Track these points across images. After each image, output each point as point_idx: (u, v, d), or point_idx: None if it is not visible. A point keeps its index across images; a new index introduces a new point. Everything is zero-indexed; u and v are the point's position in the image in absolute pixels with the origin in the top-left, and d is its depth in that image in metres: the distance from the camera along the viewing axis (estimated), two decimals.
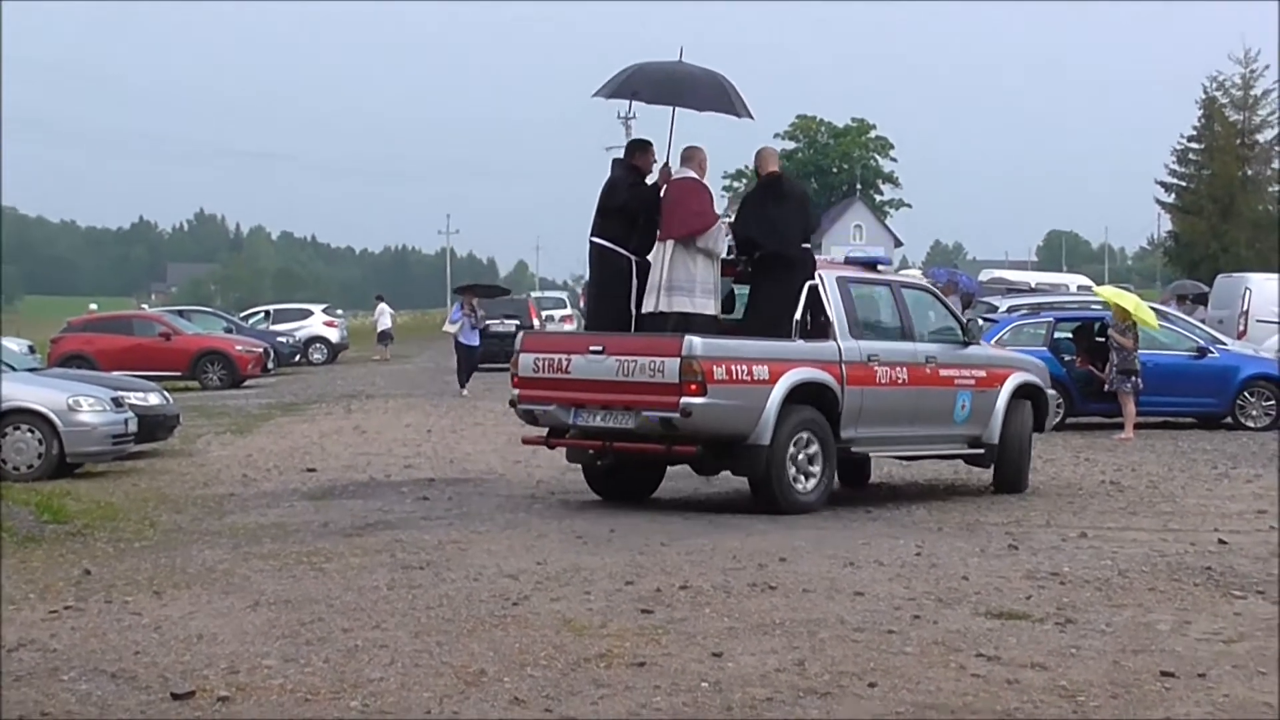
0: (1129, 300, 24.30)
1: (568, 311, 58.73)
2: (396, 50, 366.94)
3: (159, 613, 10.30)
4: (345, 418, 27.06)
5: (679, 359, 14.06)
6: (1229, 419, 24.67)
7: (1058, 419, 23.99)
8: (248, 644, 9.32)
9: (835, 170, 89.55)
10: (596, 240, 15.56)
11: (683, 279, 15.11)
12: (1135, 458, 20.28)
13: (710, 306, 15.25)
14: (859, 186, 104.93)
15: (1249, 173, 70.82)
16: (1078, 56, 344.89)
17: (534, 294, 68.48)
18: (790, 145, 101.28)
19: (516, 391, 15.36)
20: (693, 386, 14.04)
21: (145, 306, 68.46)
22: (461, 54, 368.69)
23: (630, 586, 11.11)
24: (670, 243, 15.15)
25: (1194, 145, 72.63)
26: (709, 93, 15.90)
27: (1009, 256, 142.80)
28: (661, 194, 15.49)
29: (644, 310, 15.28)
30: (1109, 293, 25.79)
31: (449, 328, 34.88)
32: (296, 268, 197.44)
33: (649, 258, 15.43)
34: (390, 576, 11.51)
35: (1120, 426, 23.13)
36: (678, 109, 15.89)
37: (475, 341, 33.60)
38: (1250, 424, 24.43)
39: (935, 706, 7.98)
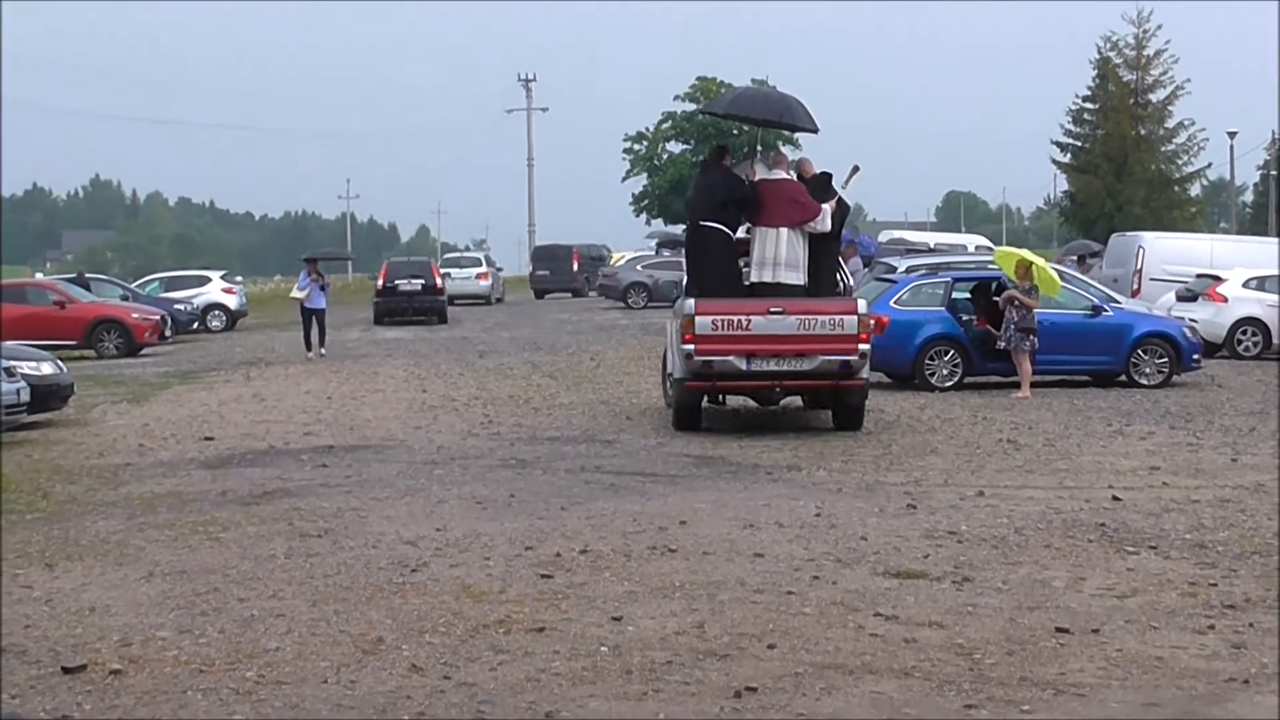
0: (1037, 258, 24.49)
1: (483, 269, 64.02)
2: (295, 12, 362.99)
3: (50, 585, 10.16)
4: (244, 385, 26.78)
5: (857, 316, 18.06)
6: (1123, 376, 24.94)
7: (956, 378, 24.21)
8: (141, 615, 9.22)
9: (735, 132, 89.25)
10: (712, 225, 18.86)
11: (792, 258, 18.68)
12: (1032, 416, 20.45)
13: (804, 278, 18.74)
14: (759, 149, 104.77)
15: (1142, 132, 71.55)
16: (974, 17, 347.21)
17: (448, 255, 76.24)
18: (690, 107, 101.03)
19: (692, 347, 17.97)
20: (864, 336, 18.14)
21: (40, 275, 67.52)
22: (361, 16, 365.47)
23: (530, 551, 11.09)
24: (784, 229, 18.65)
25: (1089, 105, 73.24)
26: (801, 112, 19.90)
27: (908, 217, 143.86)
28: (760, 189, 18.95)
29: (755, 280, 18.75)
30: (1011, 251, 25.87)
31: (297, 294, 35.56)
32: (195, 234, 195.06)
33: (741, 237, 19.07)
34: (288, 545, 11.43)
35: (1017, 385, 23.32)
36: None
37: (322, 304, 35.12)
38: (1144, 381, 24.70)
39: (834, 666, 8.03)
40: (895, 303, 24.64)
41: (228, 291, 51.13)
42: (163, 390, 26.29)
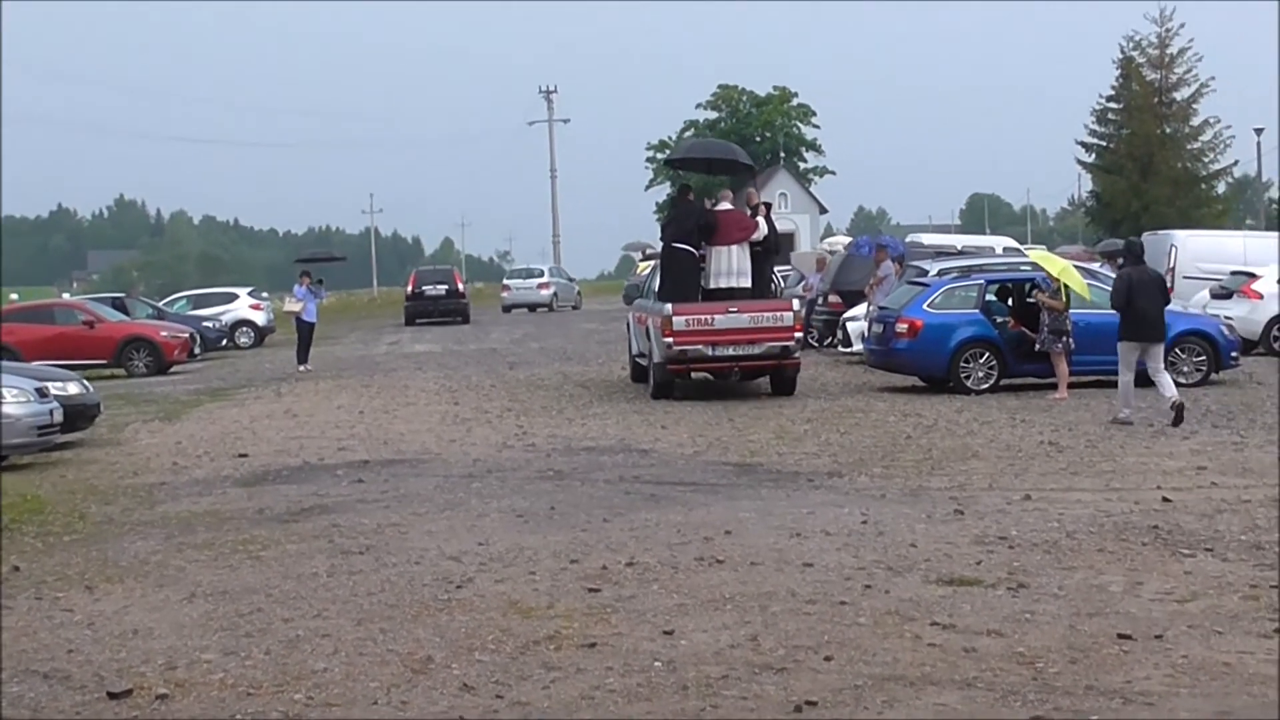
0: (1056, 264, 24.21)
1: (544, 280, 67.89)
2: (315, 24, 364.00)
3: (91, 608, 10.04)
4: (276, 401, 26.68)
5: (792, 312, 23.72)
6: None
7: (991, 381, 23.99)
8: (185, 638, 9.08)
9: (758, 139, 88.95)
10: (680, 245, 24.35)
11: (741, 268, 24.21)
12: (1071, 417, 20.24)
13: (749, 283, 24.22)
14: (782, 154, 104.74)
15: (1167, 130, 71.20)
16: (994, 21, 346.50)
17: (515, 269, 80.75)
18: (713, 115, 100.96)
19: (670, 339, 23.25)
20: (798, 327, 23.96)
21: (66, 295, 67.57)
22: (380, 28, 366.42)
23: (575, 565, 10.93)
24: (734, 246, 24.18)
25: (1113, 105, 72.93)
26: (743, 155, 28.10)
27: (932, 220, 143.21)
28: (716, 217, 24.57)
29: (713, 286, 24.10)
30: (1039, 256, 25.70)
31: (293, 306, 34.92)
32: (220, 251, 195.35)
33: (699, 254, 24.45)
34: (329, 563, 11.29)
35: (1054, 387, 23.10)
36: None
37: (314, 318, 34.90)
38: (1182, 380, 24.39)
39: (894, 678, 7.85)
40: (929, 306, 24.44)
41: (255, 308, 51.07)
42: (194, 408, 26.20)
